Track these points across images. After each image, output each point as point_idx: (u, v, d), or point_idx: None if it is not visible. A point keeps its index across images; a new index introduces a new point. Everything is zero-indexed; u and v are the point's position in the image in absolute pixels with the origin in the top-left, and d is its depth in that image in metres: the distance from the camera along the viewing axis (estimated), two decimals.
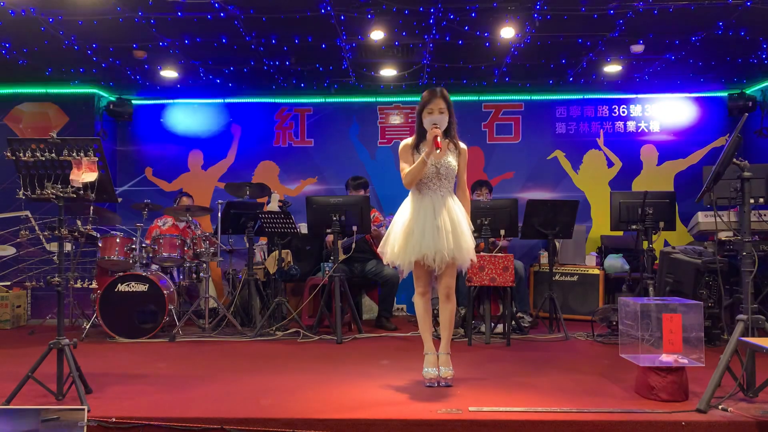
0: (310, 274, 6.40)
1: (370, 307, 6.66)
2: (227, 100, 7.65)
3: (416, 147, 3.70)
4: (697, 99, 7.45)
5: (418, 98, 8.02)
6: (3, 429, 2.76)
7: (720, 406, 3.08)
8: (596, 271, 6.44)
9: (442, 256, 3.52)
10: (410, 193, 3.76)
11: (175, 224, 6.45)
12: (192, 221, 6.15)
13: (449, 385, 3.63)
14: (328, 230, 5.40)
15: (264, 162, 7.62)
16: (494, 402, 3.25)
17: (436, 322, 5.66)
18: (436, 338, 5.50)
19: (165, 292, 5.38)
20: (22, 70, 6.34)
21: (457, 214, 3.64)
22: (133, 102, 7.59)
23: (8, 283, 6.76)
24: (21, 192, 3.36)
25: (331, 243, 6.17)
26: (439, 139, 3.51)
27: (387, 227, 5.97)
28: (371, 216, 6.26)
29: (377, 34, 5.43)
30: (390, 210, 6.68)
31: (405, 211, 3.73)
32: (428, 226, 3.56)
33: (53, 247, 6.64)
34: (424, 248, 3.53)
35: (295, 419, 2.98)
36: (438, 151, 3.51)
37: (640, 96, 7.45)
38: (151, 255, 5.72)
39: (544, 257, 6.54)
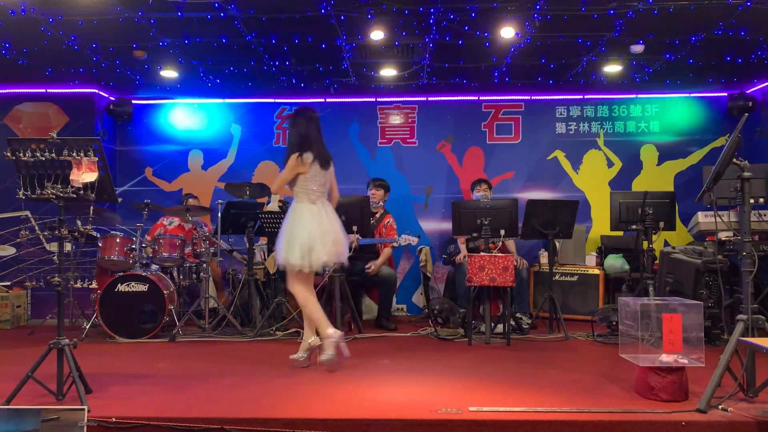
0: None
1: (370, 307, 6.66)
2: (227, 100, 7.65)
3: None
4: (697, 99, 7.44)
5: (418, 98, 8.01)
6: (3, 429, 2.76)
7: (720, 406, 3.08)
8: (596, 271, 6.44)
9: None
10: None
11: (182, 225, 6.44)
12: (199, 223, 6.14)
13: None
14: None
15: (264, 162, 7.61)
16: (494, 402, 3.25)
17: (436, 322, 5.69)
18: (436, 337, 5.52)
19: (165, 292, 5.38)
20: (22, 70, 6.34)
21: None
22: (133, 102, 7.59)
23: (8, 283, 6.77)
24: (21, 192, 3.36)
25: None
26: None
27: (400, 244, 6.04)
28: (386, 222, 6.25)
29: (377, 34, 5.42)
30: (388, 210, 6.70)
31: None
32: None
33: (53, 247, 6.64)
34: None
35: (295, 419, 2.99)
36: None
37: (640, 96, 7.44)
38: (151, 255, 5.72)
39: (544, 257, 6.53)
